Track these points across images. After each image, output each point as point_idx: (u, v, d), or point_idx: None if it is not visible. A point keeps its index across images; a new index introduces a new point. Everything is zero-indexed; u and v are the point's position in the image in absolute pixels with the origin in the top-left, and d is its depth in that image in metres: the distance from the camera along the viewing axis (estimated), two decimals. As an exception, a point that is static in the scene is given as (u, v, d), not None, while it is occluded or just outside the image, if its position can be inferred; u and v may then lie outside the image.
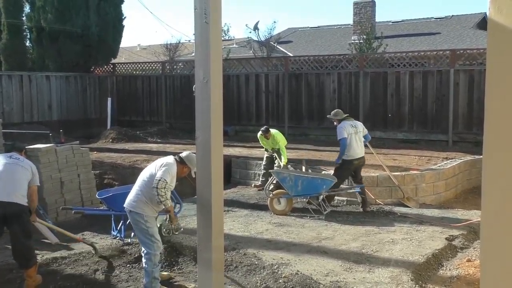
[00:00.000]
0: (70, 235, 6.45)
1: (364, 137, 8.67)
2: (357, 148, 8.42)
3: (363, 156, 8.57)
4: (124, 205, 5.36)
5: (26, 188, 5.43)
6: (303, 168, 9.54)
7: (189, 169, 5.44)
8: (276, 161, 9.95)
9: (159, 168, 5.25)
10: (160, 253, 5.53)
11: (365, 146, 8.71)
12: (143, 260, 5.24)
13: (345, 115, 8.73)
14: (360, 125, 8.71)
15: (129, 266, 5.91)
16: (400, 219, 7.97)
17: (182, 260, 6.14)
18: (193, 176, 5.49)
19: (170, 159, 5.43)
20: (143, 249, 5.28)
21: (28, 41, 19.41)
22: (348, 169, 8.51)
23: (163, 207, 5.23)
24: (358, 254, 6.23)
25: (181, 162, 5.43)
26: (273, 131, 10.01)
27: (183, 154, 5.52)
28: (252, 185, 10.44)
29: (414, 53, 15.06)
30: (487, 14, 1.70)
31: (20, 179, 5.40)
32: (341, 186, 8.95)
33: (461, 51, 13.92)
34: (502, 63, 1.68)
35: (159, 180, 5.10)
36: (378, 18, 22.87)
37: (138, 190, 5.32)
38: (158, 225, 5.60)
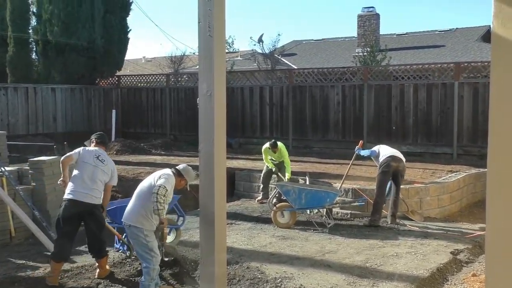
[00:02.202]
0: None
1: None
2: (393, 151, 8.59)
3: (402, 160, 8.49)
4: (122, 220, 5.36)
5: (102, 189, 5.93)
6: (307, 181, 9.48)
7: (186, 181, 5.48)
8: (279, 174, 9.81)
9: (158, 179, 5.26)
10: (161, 267, 5.51)
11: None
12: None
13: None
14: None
15: (131, 279, 5.87)
16: (405, 232, 7.92)
17: (185, 273, 6.09)
18: (188, 189, 5.54)
19: (168, 171, 5.45)
20: (143, 263, 5.27)
21: (34, 54, 19.57)
22: (387, 173, 8.36)
23: (158, 217, 5.17)
24: (362, 268, 6.18)
25: (178, 174, 5.45)
26: (279, 144, 9.85)
27: (180, 167, 5.56)
28: (256, 200, 10.31)
29: (418, 65, 15.09)
30: (491, 27, 1.70)
31: (98, 182, 5.85)
32: (345, 199, 8.93)
33: (466, 64, 13.93)
34: (506, 76, 1.67)
35: (160, 186, 5.08)
36: (382, 31, 22.96)
37: (137, 203, 5.29)
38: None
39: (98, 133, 6.53)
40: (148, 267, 5.16)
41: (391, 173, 8.39)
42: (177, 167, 5.55)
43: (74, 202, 5.71)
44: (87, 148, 6.14)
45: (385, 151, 8.65)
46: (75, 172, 5.91)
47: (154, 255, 5.19)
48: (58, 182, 6.15)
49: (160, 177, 5.27)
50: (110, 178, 6.02)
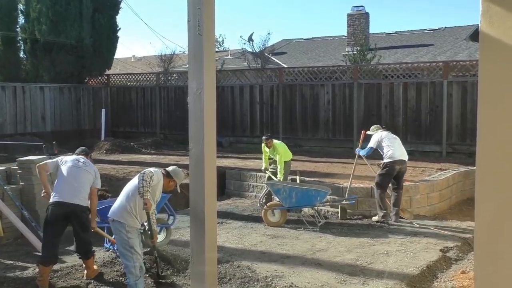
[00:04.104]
0: None
1: None
2: (397, 150, 8.47)
3: (405, 160, 8.50)
4: (108, 215, 5.41)
5: (88, 191, 5.89)
6: (297, 179, 9.45)
7: (175, 183, 5.50)
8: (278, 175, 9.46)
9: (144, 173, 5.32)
10: (147, 267, 5.51)
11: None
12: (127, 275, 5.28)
13: (379, 128, 9.14)
14: (393, 135, 8.98)
15: (121, 279, 5.85)
16: (395, 230, 7.96)
17: (175, 272, 6.08)
18: (178, 191, 5.55)
19: (157, 169, 5.51)
20: (123, 263, 5.27)
21: (22, 52, 19.40)
22: (390, 175, 8.41)
23: (144, 205, 5.16)
24: (352, 266, 6.20)
25: (167, 175, 5.48)
26: (276, 141, 9.72)
27: (170, 168, 5.60)
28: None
29: (407, 64, 15.14)
30: (479, 26, 1.70)
31: (83, 182, 5.85)
32: (336, 197, 8.95)
33: (454, 63, 14.02)
34: (493, 75, 1.68)
35: (145, 172, 5.20)
36: (371, 30, 23.02)
37: (123, 199, 5.33)
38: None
39: (81, 147, 6.64)
40: (129, 265, 5.17)
41: (394, 175, 8.45)
42: (166, 169, 5.58)
43: (60, 204, 5.68)
44: (67, 156, 6.23)
45: (389, 150, 8.45)
46: (59, 176, 5.91)
47: (134, 252, 5.20)
48: (42, 195, 6.12)
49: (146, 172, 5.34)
50: (94, 180, 5.98)
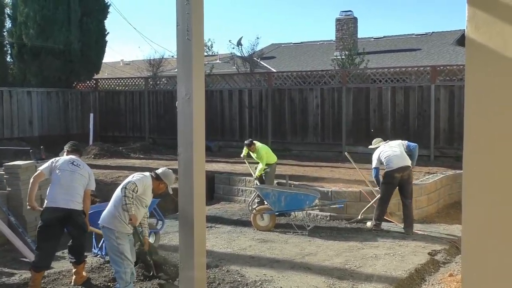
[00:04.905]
0: None
1: (412, 148, 8.43)
2: (395, 158, 8.07)
3: (406, 166, 8.07)
4: (99, 222, 5.38)
5: (82, 194, 5.85)
6: (287, 183, 9.47)
7: (166, 185, 5.45)
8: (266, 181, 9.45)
9: (131, 178, 5.27)
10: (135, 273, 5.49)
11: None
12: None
13: (381, 141, 8.65)
14: (396, 141, 8.58)
15: (110, 285, 5.81)
16: (383, 234, 7.99)
17: (164, 277, 6.05)
18: (170, 192, 5.52)
19: (146, 173, 5.46)
20: (114, 268, 5.25)
21: (9, 57, 19.23)
22: (390, 184, 8.11)
23: (128, 213, 5.14)
24: (341, 269, 6.21)
25: (157, 178, 5.44)
26: (259, 145, 9.66)
27: (159, 170, 5.55)
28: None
29: (395, 69, 15.25)
30: (465, 31, 1.72)
31: (77, 187, 5.81)
32: (325, 201, 8.96)
33: (442, 67, 14.14)
34: (480, 80, 1.70)
35: (129, 182, 5.15)
36: (360, 34, 23.16)
37: (111, 205, 5.31)
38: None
39: (70, 142, 6.49)
40: (119, 271, 5.14)
41: (396, 184, 8.16)
42: (156, 171, 5.54)
43: (54, 209, 5.63)
44: (59, 157, 6.13)
45: (387, 160, 8.13)
46: (53, 180, 5.84)
47: (124, 258, 5.17)
48: (27, 208, 6.01)
49: (133, 177, 5.29)
50: (88, 182, 5.93)
